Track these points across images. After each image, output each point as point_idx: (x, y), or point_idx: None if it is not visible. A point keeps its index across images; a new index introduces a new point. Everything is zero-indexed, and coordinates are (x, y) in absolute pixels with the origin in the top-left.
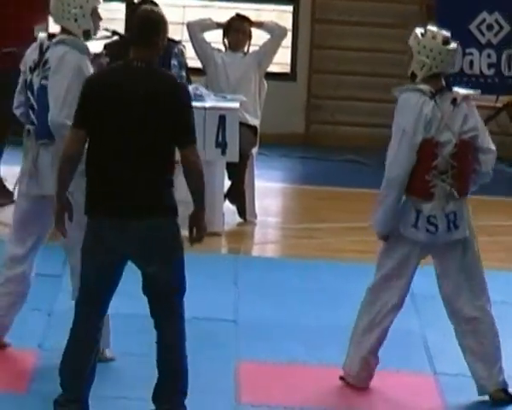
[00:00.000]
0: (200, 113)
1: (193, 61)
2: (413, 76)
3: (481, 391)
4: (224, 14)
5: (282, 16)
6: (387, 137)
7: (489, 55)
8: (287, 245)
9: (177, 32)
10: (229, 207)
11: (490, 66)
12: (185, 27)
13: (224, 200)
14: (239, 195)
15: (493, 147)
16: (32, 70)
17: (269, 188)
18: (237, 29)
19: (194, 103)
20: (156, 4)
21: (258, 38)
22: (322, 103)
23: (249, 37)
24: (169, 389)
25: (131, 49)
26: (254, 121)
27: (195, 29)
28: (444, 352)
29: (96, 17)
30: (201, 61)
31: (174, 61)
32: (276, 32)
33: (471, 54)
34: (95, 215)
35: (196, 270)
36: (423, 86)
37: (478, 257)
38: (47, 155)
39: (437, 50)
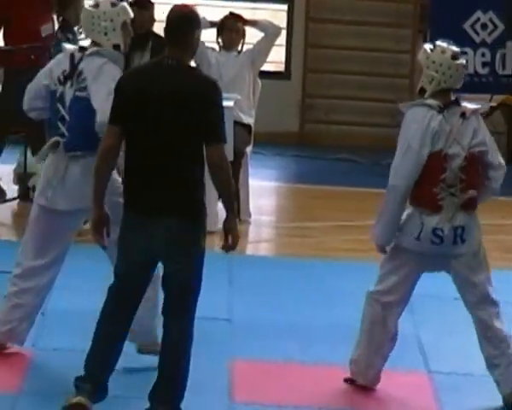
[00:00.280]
0: None
1: None
2: (422, 91)
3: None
4: (217, 12)
5: (277, 15)
6: (382, 136)
7: (483, 55)
8: (281, 244)
9: None
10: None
11: (484, 65)
12: None
13: (219, 198)
14: None
15: (503, 162)
16: (62, 82)
17: (263, 187)
18: (231, 28)
19: None
20: (152, 3)
21: (252, 36)
22: (316, 102)
23: (243, 36)
24: (166, 391)
25: (167, 47)
26: (248, 120)
27: None
28: (438, 351)
29: (126, 31)
30: (195, 61)
31: None
32: (270, 31)
33: (465, 53)
34: (129, 212)
35: None
36: (431, 101)
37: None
38: (77, 168)
39: (446, 65)
